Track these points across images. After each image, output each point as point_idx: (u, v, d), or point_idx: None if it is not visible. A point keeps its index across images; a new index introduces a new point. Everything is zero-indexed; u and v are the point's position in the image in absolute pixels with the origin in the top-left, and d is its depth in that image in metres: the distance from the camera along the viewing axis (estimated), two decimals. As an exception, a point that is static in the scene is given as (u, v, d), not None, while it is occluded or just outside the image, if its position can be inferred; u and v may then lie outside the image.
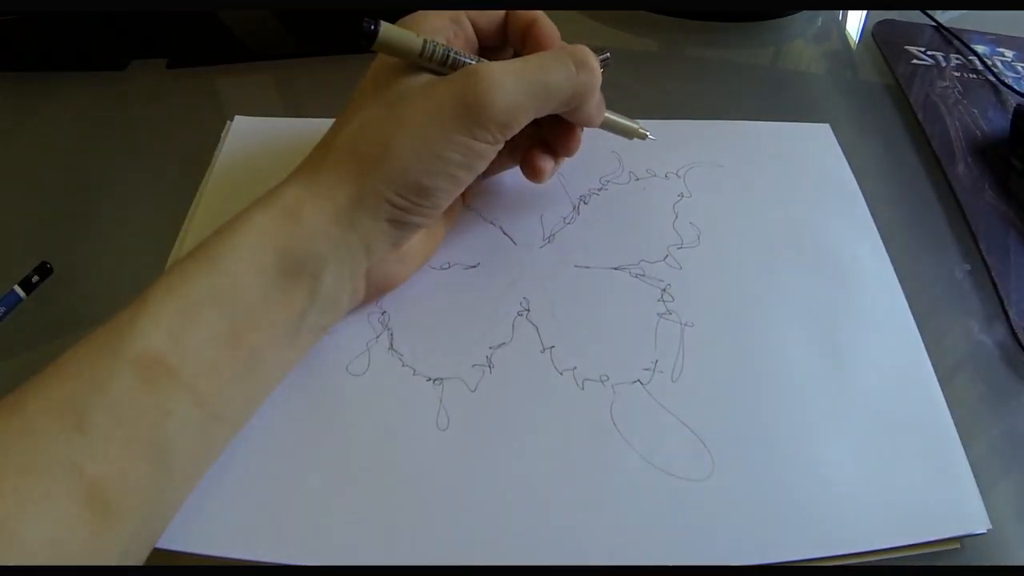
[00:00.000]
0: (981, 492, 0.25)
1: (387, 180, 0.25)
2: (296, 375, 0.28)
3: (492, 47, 0.31)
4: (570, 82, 0.27)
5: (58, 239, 0.35)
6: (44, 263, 0.32)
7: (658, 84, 0.44)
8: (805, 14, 0.50)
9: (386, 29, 0.24)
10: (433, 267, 0.32)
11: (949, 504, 0.25)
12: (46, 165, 0.39)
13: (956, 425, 0.27)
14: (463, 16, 0.29)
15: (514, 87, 0.25)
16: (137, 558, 0.22)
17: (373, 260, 0.27)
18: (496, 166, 0.33)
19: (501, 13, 0.30)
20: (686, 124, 0.39)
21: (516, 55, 0.29)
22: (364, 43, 0.24)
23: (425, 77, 0.27)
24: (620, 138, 0.36)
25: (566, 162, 0.34)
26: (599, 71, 0.28)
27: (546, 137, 0.31)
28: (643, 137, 0.33)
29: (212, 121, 0.38)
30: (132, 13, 0.45)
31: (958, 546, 0.25)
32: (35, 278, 0.32)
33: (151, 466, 0.22)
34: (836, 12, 0.52)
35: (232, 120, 0.38)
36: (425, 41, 0.25)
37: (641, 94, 0.43)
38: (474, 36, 0.30)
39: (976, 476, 0.26)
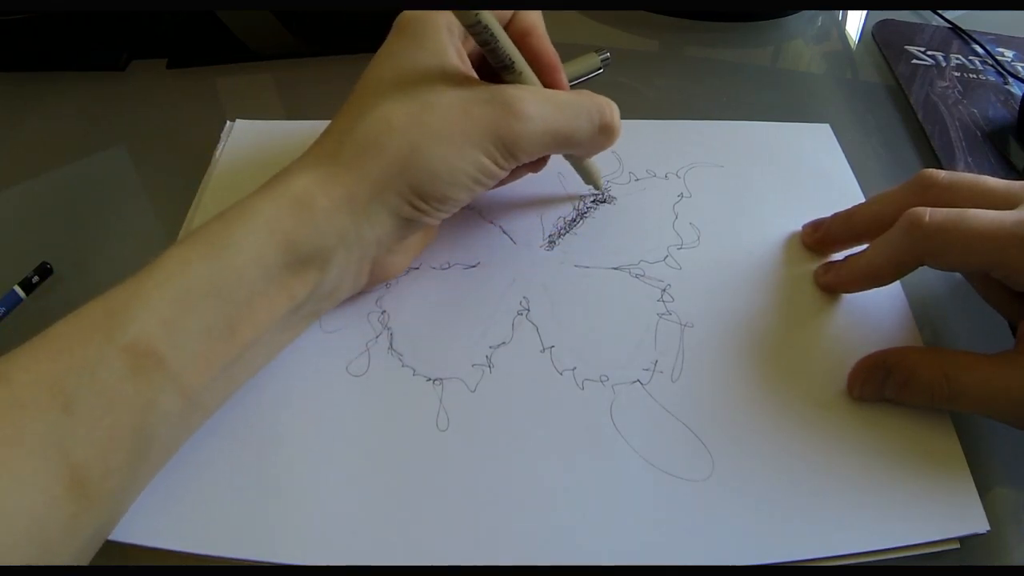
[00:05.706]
0: (981, 492, 0.25)
1: (412, 183, 0.25)
2: (296, 375, 0.28)
3: None
4: (590, 142, 0.29)
5: (58, 239, 0.35)
6: (44, 263, 0.32)
7: (658, 84, 0.44)
8: (805, 14, 0.50)
9: None
10: (433, 267, 0.32)
11: (949, 504, 0.25)
12: (46, 165, 0.39)
13: (955, 425, 0.27)
14: None
15: (542, 131, 0.27)
16: (100, 542, 0.23)
17: (381, 251, 0.27)
18: None
19: (509, 13, 0.30)
20: (686, 124, 0.39)
21: None
22: None
23: (456, 81, 0.27)
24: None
25: (565, 162, 0.34)
26: (618, 133, 0.30)
27: None
28: (599, 188, 0.35)
29: (212, 121, 0.38)
30: (132, 13, 0.45)
31: (958, 546, 0.25)
32: (35, 278, 0.32)
33: (132, 455, 0.22)
34: (836, 12, 0.52)
35: (233, 122, 0.38)
36: (479, 17, 0.25)
37: (641, 94, 0.43)
38: None
39: (976, 476, 0.26)
